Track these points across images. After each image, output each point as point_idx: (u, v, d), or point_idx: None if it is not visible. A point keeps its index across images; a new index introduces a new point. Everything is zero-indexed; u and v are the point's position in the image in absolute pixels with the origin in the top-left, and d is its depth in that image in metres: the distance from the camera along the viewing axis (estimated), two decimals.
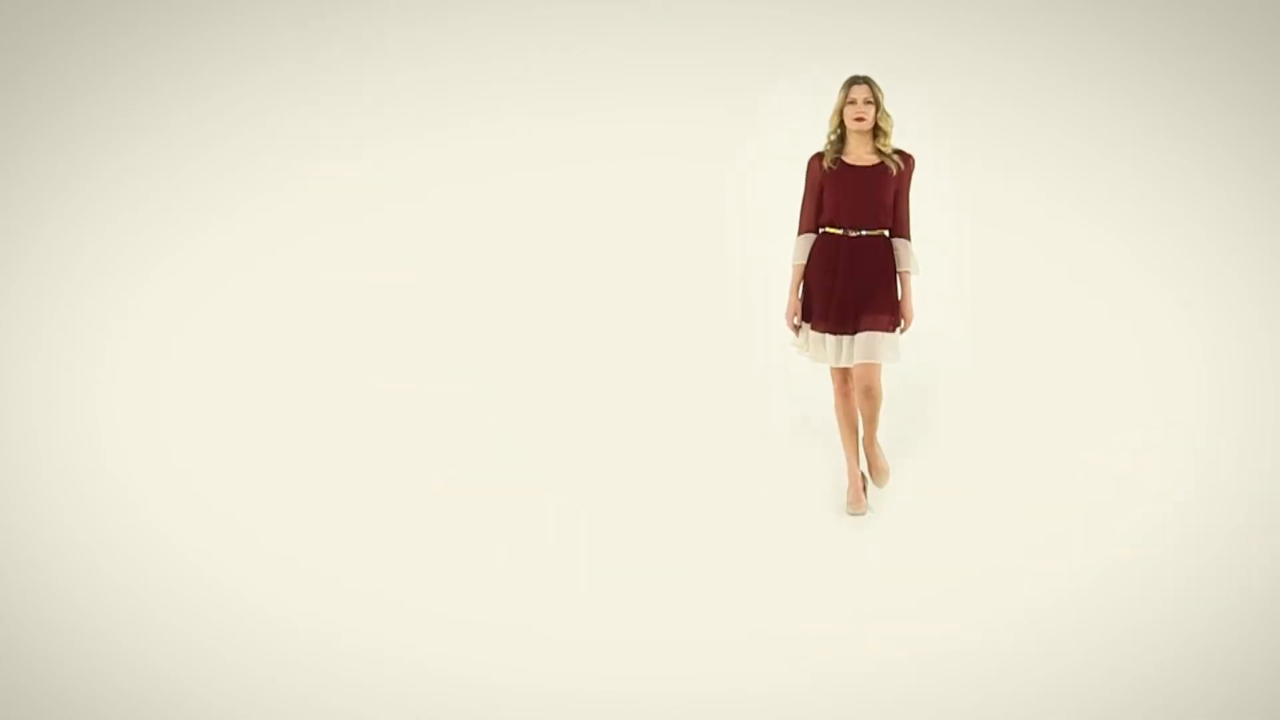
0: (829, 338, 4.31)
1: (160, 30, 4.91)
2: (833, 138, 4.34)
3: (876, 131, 4.29)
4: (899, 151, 4.31)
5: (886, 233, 4.31)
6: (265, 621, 3.70)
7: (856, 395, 4.29)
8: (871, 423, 4.29)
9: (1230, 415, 4.47)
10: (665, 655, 3.55)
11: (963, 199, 5.00)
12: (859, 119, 4.26)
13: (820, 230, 4.34)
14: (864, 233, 4.29)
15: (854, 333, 4.26)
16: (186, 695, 3.38)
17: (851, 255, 4.29)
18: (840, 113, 4.31)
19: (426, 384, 4.77)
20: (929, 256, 4.38)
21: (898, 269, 4.31)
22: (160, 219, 4.99)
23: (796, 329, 4.39)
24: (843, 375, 4.34)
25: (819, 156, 4.35)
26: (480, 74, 5.14)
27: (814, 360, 4.40)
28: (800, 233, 4.38)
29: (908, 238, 4.32)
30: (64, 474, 4.38)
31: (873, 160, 4.31)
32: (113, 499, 4.29)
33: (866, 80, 4.30)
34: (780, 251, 4.44)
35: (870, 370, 4.24)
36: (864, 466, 4.36)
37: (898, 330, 4.29)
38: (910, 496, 4.24)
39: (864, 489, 4.36)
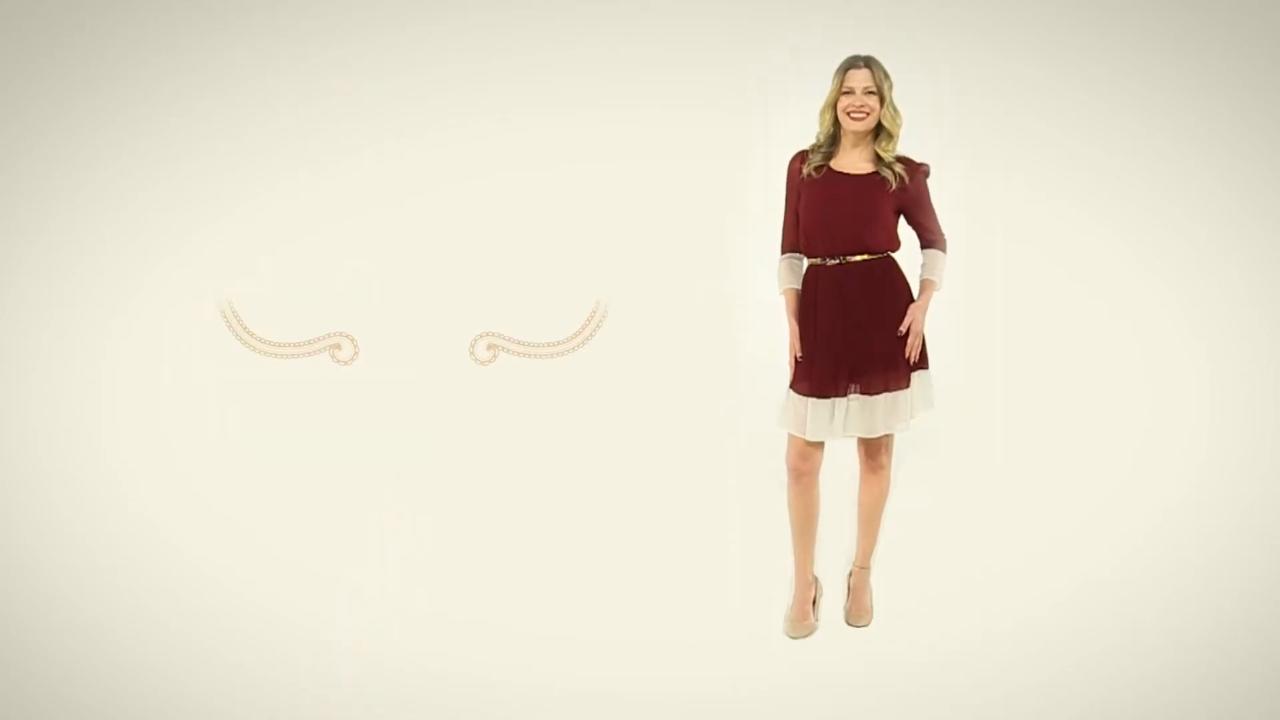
0: (811, 402, 3.30)
1: (160, 31, 4.90)
2: (822, 137, 3.32)
3: (879, 132, 3.27)
4: (904, 160, 3.30)
5: (889, 255, 3.34)
6: (267, 622, 3.71)
7: (863, 476, 3.47)
8: (874, 521, 3.50)
9: (1230, 415, 4.47)
10: (665, 656, 3.56)
11: (959, 199, 4.98)
12: (856, 114, 3.22)
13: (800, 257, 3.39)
14: (847, 260, 3.29)
15: (845, 394, 3.30)
16: (187, 696, 3.39)
17: (835, 291, 3.30)
18: (834, 106, 3.27)
19: (425, 385, 4.77)
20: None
21: (921, 275, 3.38)
22: (160, 219, 4.98)
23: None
24: (813, 452, 3.37)
25: (801, 157, 3.36)
26: (479, 74, 5.13)
27: (794, 433, 3.38)
28: (783, 252, 3.43)
29: (942, 249, 3.41)
30: (64, 475, 4.38)
31: (867, 169, 3.29)
32: (113, 500, 4.29)
33: (868, 63, 3.23)
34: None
35: (882, 443, 3.42)
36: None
37: (914, 373, 3.37)
38: (909, 497, 4.24)
39: (815, 601, 3.56)
